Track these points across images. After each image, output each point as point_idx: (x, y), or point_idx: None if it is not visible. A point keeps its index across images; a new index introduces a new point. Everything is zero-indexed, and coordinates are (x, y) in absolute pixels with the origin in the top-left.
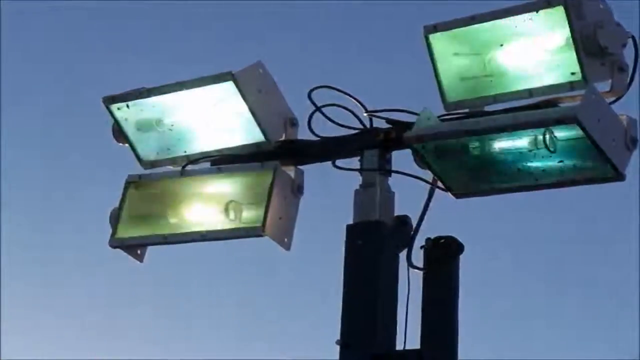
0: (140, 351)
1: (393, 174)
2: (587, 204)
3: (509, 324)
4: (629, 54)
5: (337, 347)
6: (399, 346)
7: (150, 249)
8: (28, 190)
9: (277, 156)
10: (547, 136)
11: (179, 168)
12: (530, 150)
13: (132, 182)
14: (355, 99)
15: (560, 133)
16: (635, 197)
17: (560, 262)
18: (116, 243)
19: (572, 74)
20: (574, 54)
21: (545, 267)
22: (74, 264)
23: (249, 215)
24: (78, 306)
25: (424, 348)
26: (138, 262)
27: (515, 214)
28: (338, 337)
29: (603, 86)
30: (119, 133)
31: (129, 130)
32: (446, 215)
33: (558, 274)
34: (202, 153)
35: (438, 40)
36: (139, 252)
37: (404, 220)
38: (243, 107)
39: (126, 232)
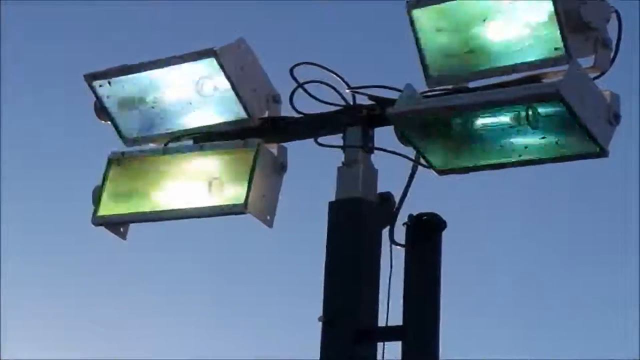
0: (124, 329)
1: (376, 151)
2: (570, 181)
3: (490, 301)
4: (612, 30)
5: (320, 324)
6: (382, 323)
7: (132, 226)
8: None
9: (259, 133)
10: (530, 112)
11: (162, 145)
12: (512, 127)
13: (115, 160)
14: (337, 75)
15: (543, 109)
16: (618, 173)
17: (543, 242)
18: (99, 221)
19: (556, 49)
20: (557, 29)
21: (528, 245)
22: (57, 244)
23: (232, 192)
24: (58, 284)
25: (407, 324)
26: (121, 240)
27: (498, 191)
28: (321, 314)
29: (587, 61)
30: (101, 110)
31: (111, 107)
32: (429, 192)
33: (541, 251)
34: (184, 130)
35: (421, 16)
36: (122, 229)
37: (386, 197)
38: (225, 84)
39: (109, 209)
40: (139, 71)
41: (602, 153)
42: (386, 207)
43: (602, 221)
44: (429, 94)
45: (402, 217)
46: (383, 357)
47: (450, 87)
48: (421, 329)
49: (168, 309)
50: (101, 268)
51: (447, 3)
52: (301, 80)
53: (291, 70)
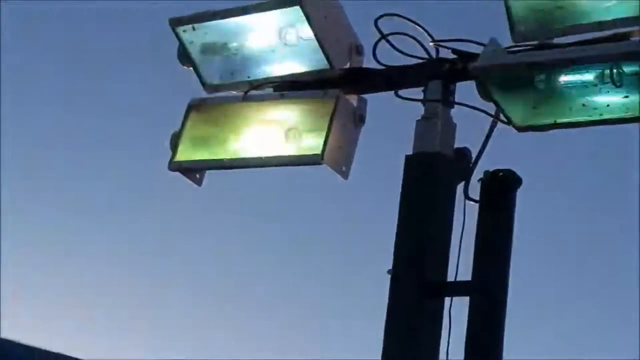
0: (196, 276)
1: (456, 106)
2: None
3: (563, 261)
4: None
5: (389, 277)
6: (451, 278)
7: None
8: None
9: (340, 84)
10: (615, 70)
11: (242, 93)
12: (596, 85)
13: (194, 106)
14: (422, 27)
15: (628, 67)
16: None
17: (622, 207)
18: (175, 166)
19: None
20: None
21: (606, 207)
22: (127, 189)
23: (309, 142)
24: (135, 230)
25: (474, 280)
26: (196, 186)
27: (578, 151)
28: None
29: None
30: (184, 56)
31: (194, 53)
32: (507, 149)
33: (619, 216)
34: (265, 79)
35: None
36: (197, 175)
37: (463, 152)
38: (308, 33)
39: (186, 155)
40: (224, 17)
41: None
42: (462, 163)
43: None
44: (514, 49)
45: (478, 174)
46: (450, 312)
47: (535, 42)
48: (489, 286)
49: (238, 256)
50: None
51: None
52: (385, 32)
53: (375, 22)
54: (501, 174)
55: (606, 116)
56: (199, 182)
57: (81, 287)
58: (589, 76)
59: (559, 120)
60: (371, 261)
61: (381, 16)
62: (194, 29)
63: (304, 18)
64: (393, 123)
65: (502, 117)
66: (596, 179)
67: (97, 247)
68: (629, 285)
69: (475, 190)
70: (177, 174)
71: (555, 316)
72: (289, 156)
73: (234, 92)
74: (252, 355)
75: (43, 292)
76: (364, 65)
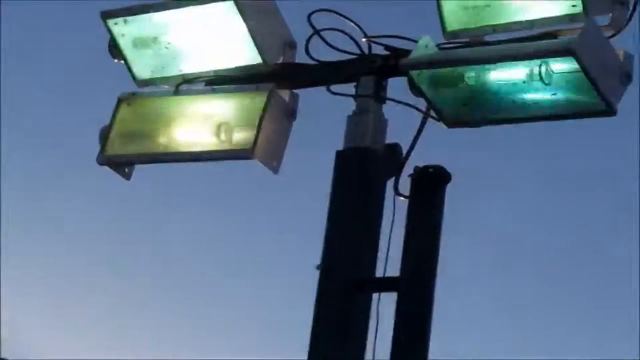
0: (117, 267)
1: (387, 102)
2: (579, 139)
3: (491, 259)
4: None
5: (317, 272)
6: (379, 274)
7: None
8: (20, 103)
9: (273, 79)
10: (543, 68)
11: (173, 87)
12: (525, 82)
13: (125, 100)
14: (355, 23)
15: (556, 66)
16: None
17: (550, 200)
18: (104, 160)
19: (573, 6)
20: None
21: (534, 203)
22: (60, 180)
23: (240, 137)
24: (62, 219)
25: (403, 276)
26: (125, 180)
27: (506, 146)
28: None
29: (603, 19)
30: (115, 49)
31: (125, 46)
32: (437, 145)
33: (547, 208)
34: (197, 73)
35: None
36: (126, 170)
37: (394, 148)
38: (242, 28)
39: (115, 149)
40: (156, 11)
41: (611, 112)
42: (393, 158)
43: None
44: (445, 46)
45: (408, 169)
46: (378, 308)
47: (466, 40)
48: (417, 281)
49: (165, 249)
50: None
51: None
52: (318, 27)
53: (309, 17)
54: (431, 169)
55: (535, 113)
56: (127, 177)
57: None
58: (518, 74)
59: (489, 117)
60: (300, 255)
61: (314, 12)
62: (125, 22)
63: (237, 12)
64: (325, 118)
65: (432, 113)
66: (529, 174)
67: None
68: (568, 278)
69: (405, 186)
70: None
71: (481, 312)
72: (220, 151)
73: (166, 87)
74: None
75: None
76: (297, 61)
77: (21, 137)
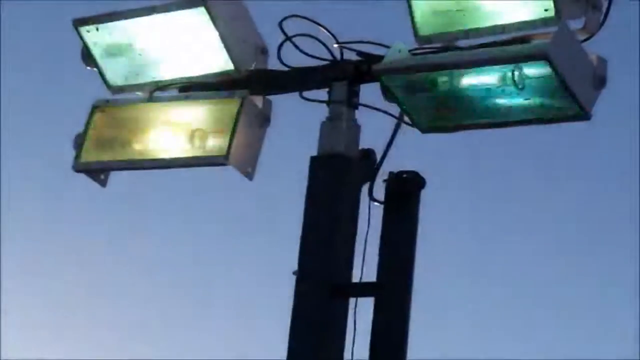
0: (95, 275)
1: (360, 107)
2: (552, 143)
3: (467, 262)
4: None
5: (294, 278)
6: (356, 279)
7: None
8: None
9: (245, 85)
10: (516, 73)
11: (147, 94)
12: (498, 87)
13: (99, 107)
14: (326, 30)
15: (530, 70)
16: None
17: (524, 203)
18: (80, 167)
19: (545, 10)
20: None
21: (508, 207)
22: (35, 189)
23: (214, 143)
24: (37, 229)
25: (380, 281)
26: (101, 187)
27: (481, 151)
28: (296, 268)
29: (576, 23)
30: (88, 56)
31: (98, 54)
32: (411, 150)
33: (520, 213)
34: (170, 80)
35: None
36: (102, 176)
37: (368, 153)
38: (214, 34)
39: (90, 156)
40: (127, 18)
41: (585, 116)
42: (367, 164)
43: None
44: (418, 51)
45: (383, 175)
46: (355, 313)
47: (439, 45)
48: (394, 286)
49: (142, 258)
50: (79, 215)
51: None
52: (290, 34)
53: (280, 23)
54: (405, 175)
55: (508, 118)
56: (103, 183)
57: None
58: (491, 79)
59: (463, 122)
60: (277, 261)
61: (286, 18)
62: (97, 29)
63: (209, 19)
64: (299, 124)
65: (406, 118)
66: (504, 178)
67: None
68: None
69: (380, 191)
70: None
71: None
72: (195, 157)
73: (139, 93)
74: None
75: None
76: (270, 67)
77: None
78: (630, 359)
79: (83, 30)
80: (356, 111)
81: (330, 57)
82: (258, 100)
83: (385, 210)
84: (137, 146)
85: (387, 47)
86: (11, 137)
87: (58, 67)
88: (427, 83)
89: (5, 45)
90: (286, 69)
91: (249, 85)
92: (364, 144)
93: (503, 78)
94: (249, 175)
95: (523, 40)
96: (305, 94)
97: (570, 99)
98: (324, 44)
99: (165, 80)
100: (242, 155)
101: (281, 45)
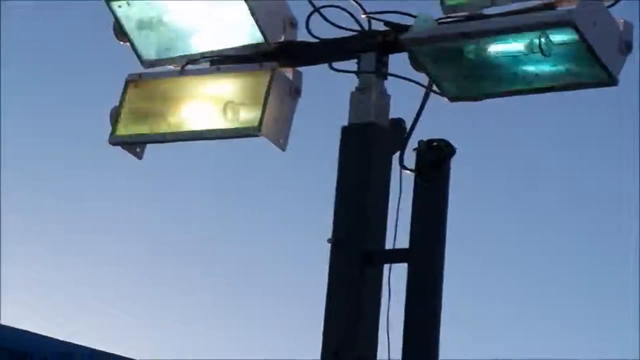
0: (134, 248)
1: (389, 77)
2: (580, 109)
3: (496, 229)
4: None
5: (329, 246)
6: (389, 246)
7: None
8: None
9: (275, 57)
10: (543, 40)
11: (179, 68)
12: (525, 54)
13: (132, 81)
14: (354, 0)
15: (556, 37)
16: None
17: (552, 170)
18: (116, 140)
19: None
20: None
21: (536, 173)
22: (72, 163)
23: (247, 115)
24: (75, 201)
25: (412, 248)
26: (137, 160)
27: (510, 119)
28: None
29: None
30: (120, 31)
31: (130, 28)
32: (440, 119)
33: (547, 175)
34: (201, 53)
35: None
36: (138, 149)
37: (398, 122)
38: (243, 7)
39: (126, 130)
40: None
41: (612, 82)
42: (397, 133)
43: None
44: (444, 20)
45: (413, 144)
46: (389, 279)
47: (465, 14)
48: (425, 252)
49: (176, 226)
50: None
51: None
52: (318, 5)
53: None
54: (435, 143)
55: (535, 85)
56: (139, 156)
57: None
58: (518, 46)
59: (490, 90)
60: (311, 229)
61: None
62: (128, 4)
63: None
64: (329, 95)
65: (434, 87)
66: (532, 147)
67: None
68: (569, 254)
69: (411, 159)
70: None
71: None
72: (227, 129)
73: (171, 67)
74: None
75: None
76: (299, 39)
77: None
78: (631, 358)
79: (114, 5)
80: (385, 81)
81: (358, 28)
82: (288, 72)
83: (416, 177)
84: (171, 119)
85: (414, 16)
86: (50, 117)
87: (90, 43)
88: (455, 52)
89: (41, 27)
90: (315, 40)
91: (278, 57)
92: (393, 113)
93: (529, 45)
94: (282, 146)
95: (549, 6)
96: (335, 64)
97: (597, 64)
98: (351, 15)
99: (196, 54)
100: (274, 126)
101: (309, 16)
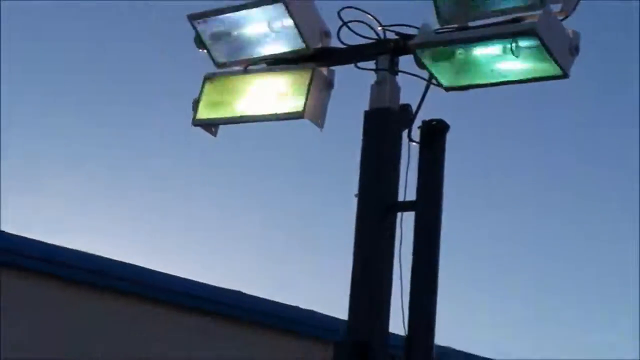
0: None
1: (400, 74)
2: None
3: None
4: None
5: (356, 199)
6: (401, 199)
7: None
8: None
9: (314, 59)
10: (513, 45)
11: (243, 68)
12: (500, 56)
13: (208, 78)
14: (372, 16)
15: (523, 42)
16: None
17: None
18: (197, 122)
19: None
20: None
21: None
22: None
23: (294, 103)
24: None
25: (418, 199)
26: (212, 137)
27: (492, 106)
28: (356, 191)
29: (556, 7)
30: (199, 42)
31: (206, 39)
32: (437, 104)
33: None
34: (259, 57)
35: None
36: (213, 129)
37: (406, 107)
38: (290, 22)
39: (204, 114)
40: (226, 13)
41: (565, 76)
42: (406, 115)
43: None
44: (440, 30)
45: (417, 123)
46: (401, 223)
47: (456, 25)
48: (429, 203)
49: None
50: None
51: None
52: (346, 20)
53: (339, 13)
54: (434, 122)
55: (508, 79)
56: (214, 134)
57: None
58: (495, 49)
59: (475, 82)
60: (341, 189)
61: (342, 8)
62: (206, 21)
63: (286, 11)
64: (355, 87)
65: (433, 80)
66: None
67: None
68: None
69: (416, 135)
70: (198, 128)
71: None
72: (279, 114)
73: (237, 68)
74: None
75: None
76: (332, 45)
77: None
78: (631, 359)
79: (195, 22)
80: (396, 76)
81: (375, 37)
82: (324, 70)
83: (420, 148)
84: (238, 107)
85: (418, 28)
86: (146, 106)
87: (175, 51)
88: (448, 54)
89: (144, 38)
90: (344, 46)
91: (317, 59)
92: (403, 100)
93: (503, 49)
94: (320, 126)
95: (517, 20)
96: (359, 64)
97: (553, 63)
98: (371, 27)
99: (256, 58)
100: (314, 111)
101: (340, 29)
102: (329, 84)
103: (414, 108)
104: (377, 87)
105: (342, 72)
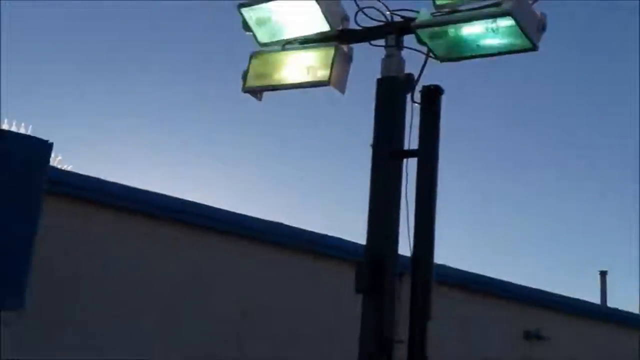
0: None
1: (404, 49)
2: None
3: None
4: None
5: (370, 148)
6: (405, 147)
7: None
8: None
9: (337, 39)
10: (494, 24)
11: (281, 46)
12: (484, 33)
13: (254, 55)
14: (382, 2)
15: (501, 22)
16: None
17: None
18: (246, 89)
19: None
20: None
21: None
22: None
23: (321, 73)
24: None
25: (420, 148)
26: (258, 101)
27: (477, 76)
28: (371, 142)
29: None
30: (246, 26)
31: (252, 24)
32: (434, 73)
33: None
34: (294, 37)
35: None
36: (259, 95)
37: (409, 76)
38: (318, 10)
39: (251, 83)
40: (268, 1)
41: (535, 49)
42: (409, 82)
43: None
44: (436, 14)
45: (419, 87)
46: (406, 168)
47: (447, 9)
48: (429, 151)
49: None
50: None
51: None
52: (361, 6)
53: (355, 0)
54: (432, 87)
55: (490, 52)
56: (260, 99)
57: None
58: (479, 28)
59: (464, 55)
60: (361, 139)
61: None
62: (252, 9)
63: (315, 1)
64: (369, 61)
65: (431, 54)
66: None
67: None
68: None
69: (417, 97)
70: (247, 94)
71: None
72: (309, 82)
73: (276, 47)
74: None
75: None
76: (350, 27)
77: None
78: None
79: (243, 9)
80: (401, 52)
81: (384, 20)
82: (345, 47)
83: (421, 107)
84: (276, 76)
85: (418, 12)
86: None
87: (231, 34)
88: (442, 32)
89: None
90: (360, 28)
91: (339, 38)
92: (407, 70)
93: (486, 28)
94: (342, 91)
95: (496, 4)
96: (372, 42)
97: (526, 38)
98: (381, 13)
99: (291, 38)
100: (337, 79)
101: (356, 13)
102: (349, 58)
103: (416, 76)
104: (387, 60)
105: (360, 48)
